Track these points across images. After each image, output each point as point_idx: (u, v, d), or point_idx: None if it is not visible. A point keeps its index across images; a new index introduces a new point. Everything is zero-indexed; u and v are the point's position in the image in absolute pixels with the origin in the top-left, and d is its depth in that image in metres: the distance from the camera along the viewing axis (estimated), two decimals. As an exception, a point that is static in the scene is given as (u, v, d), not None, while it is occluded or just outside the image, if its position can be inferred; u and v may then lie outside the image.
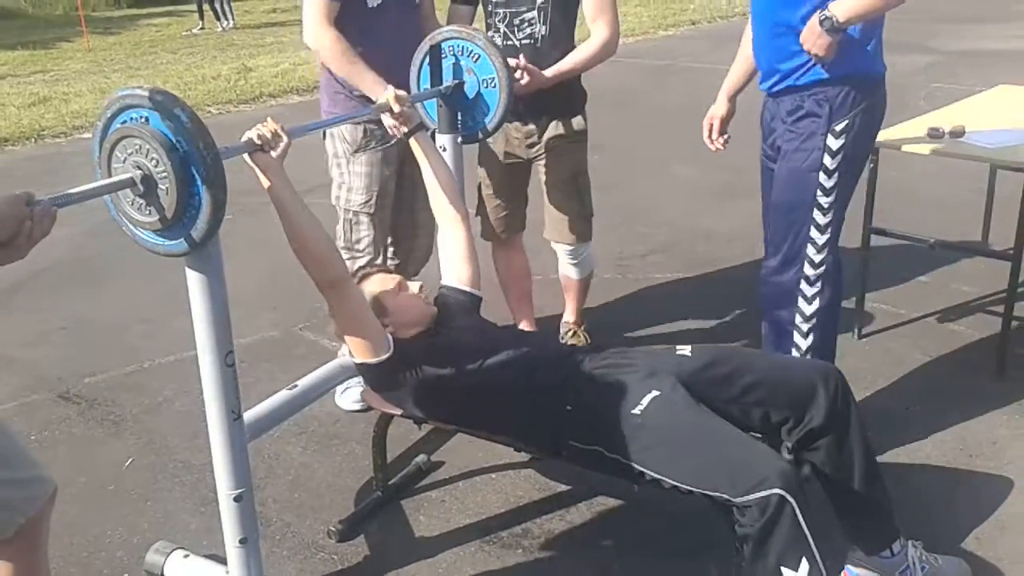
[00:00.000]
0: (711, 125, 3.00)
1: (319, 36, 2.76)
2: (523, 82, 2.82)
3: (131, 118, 1.75)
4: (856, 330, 3.55)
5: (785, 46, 2.50)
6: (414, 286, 2.39)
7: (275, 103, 8.55)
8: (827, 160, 2.49)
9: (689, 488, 1.87)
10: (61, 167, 6.31)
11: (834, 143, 2.48)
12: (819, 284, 2.59)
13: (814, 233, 2.54)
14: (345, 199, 3.00)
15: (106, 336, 3.81)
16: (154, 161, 1.73)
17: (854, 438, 2.06)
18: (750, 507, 1.76)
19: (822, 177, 2.51)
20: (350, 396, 3.12)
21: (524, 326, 3.39)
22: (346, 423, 3.08)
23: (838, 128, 2.47)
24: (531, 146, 3.12)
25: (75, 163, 6.26)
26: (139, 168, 1.75)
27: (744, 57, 2.85)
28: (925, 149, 3.22)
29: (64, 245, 4.64)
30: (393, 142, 2.90)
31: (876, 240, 3.47)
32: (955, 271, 4.09)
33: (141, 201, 1.79)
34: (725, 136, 3.01)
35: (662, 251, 4.57)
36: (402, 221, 3.15)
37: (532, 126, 3.08)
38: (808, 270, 2.57)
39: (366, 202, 2.98)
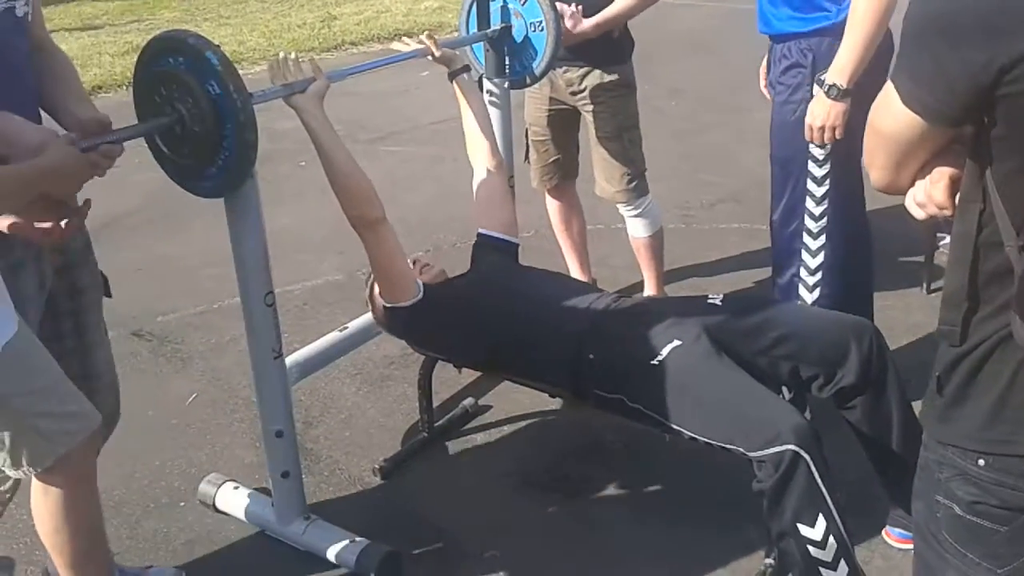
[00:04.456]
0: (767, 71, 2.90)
1: None
2: (570, 26, 2.78)
3: (168, 61, 1.80)
4: (925, 285, 3.43)
5: None
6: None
7: (356, 51, 8.57)
8: None
9: (706, 440, 1.85)
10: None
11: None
12: (822, 238, 2.49)
13: (811, 186, 2.44)
14: None
15: (179, 277, 3.95)
16: (188, 103, 1.77)
17: (891, 396, 2.00)
18: (764, 462, 1.74)
19: None
20: None
21: (577, 275, 3.37)
22: (400, 365, 3.13)
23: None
24: (574, 93, 3.06)
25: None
26: (175, 110, 1.79)
27: None
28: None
29: (142, 190, 4.80)
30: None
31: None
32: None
33: (178, 143, 1.84)
34: None
35: (732, 200, 4.46)
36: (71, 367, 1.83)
37: (574, 73, 3.02)
38: (809, 223, 2.48)
39: None
